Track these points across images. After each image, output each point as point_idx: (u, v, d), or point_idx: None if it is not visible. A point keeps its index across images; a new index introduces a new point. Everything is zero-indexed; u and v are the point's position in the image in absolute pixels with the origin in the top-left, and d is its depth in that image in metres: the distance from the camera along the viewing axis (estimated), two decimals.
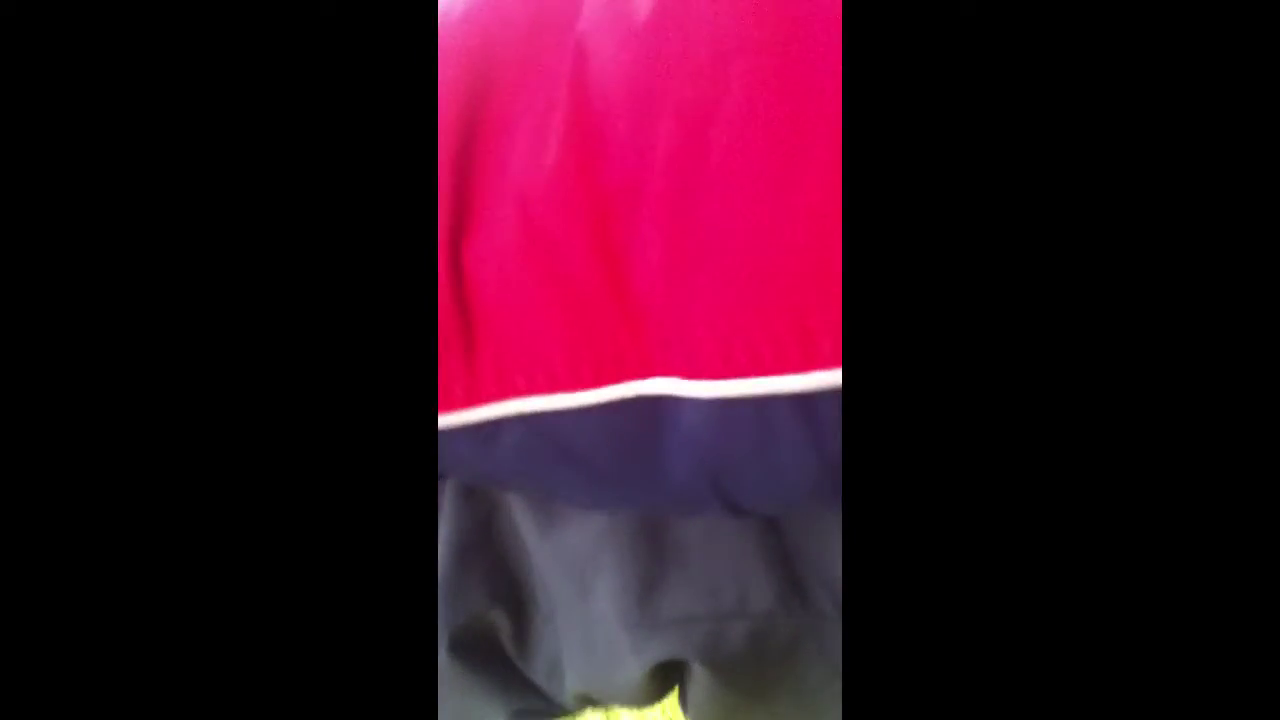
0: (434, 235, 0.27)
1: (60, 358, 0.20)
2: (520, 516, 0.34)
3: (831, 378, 0.25)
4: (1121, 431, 0.19)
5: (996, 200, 0.19)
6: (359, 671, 0.20)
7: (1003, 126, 0.20)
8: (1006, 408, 0.20)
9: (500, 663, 0.34)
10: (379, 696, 0.20)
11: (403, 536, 0.20)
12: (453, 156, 0.27)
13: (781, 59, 0.25)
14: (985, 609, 0.20)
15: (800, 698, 0.34)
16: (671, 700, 0.36)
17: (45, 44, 0.20)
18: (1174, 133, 0.19)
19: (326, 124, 0.20)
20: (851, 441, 0.20)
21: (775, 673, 0.34)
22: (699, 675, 0.33)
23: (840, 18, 0.25)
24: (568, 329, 0.27)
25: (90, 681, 0.20)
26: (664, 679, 0.34)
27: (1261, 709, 0.18)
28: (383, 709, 0.20)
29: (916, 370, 0.20)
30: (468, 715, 0.35)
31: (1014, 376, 0.20)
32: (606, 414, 0.27)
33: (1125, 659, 0.19)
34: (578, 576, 0.33)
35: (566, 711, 0.36)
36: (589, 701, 0.35)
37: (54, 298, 0.20)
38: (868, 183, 0.20)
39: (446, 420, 0.28)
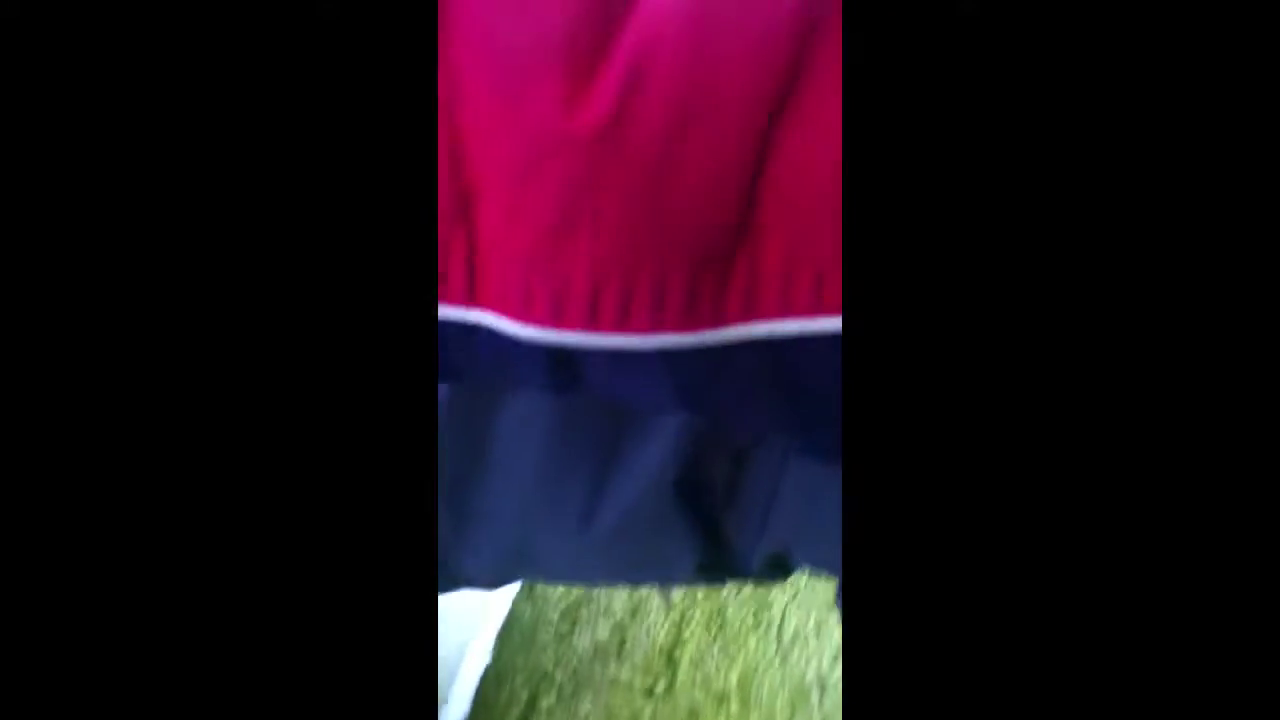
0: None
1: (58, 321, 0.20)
2: None
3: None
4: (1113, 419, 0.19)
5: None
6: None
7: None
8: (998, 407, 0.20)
9: (707, 512, 0.34)
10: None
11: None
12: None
13: None
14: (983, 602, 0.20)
15: None
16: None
17: (46, 44, 0.20)
18: (1171, 133, 0.19)
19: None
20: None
21: None
22: None
23: None
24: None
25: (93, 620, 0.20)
26: None
27: (1261, 709, 0.18)
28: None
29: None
30: (660, 558, 0.36)
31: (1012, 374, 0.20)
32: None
33: (1123, 656, 0.19)
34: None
35: (747, 574, 0.36)
36: (779, 564, 0.35)
37: (54, 284, 0.20)
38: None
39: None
